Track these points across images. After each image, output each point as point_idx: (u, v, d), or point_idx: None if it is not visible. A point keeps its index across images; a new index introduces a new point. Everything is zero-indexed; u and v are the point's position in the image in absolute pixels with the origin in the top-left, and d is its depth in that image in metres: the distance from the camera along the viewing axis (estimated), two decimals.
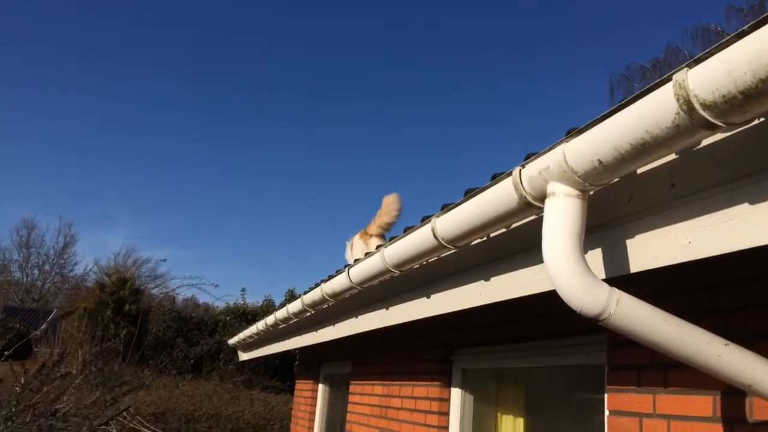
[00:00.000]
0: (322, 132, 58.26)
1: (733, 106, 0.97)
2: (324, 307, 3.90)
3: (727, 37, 0.98)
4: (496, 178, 1.70)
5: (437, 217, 2.08)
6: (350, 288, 3.17)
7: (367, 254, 3.00)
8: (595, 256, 1.54)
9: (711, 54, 1.00)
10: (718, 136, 1.15)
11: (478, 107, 57.34)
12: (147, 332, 16.89)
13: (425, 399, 3.46)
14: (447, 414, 3.31)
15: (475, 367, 3.32)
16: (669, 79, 1.07)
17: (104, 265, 30.42)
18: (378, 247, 2.87)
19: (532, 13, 50.94)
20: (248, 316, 17.02)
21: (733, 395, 1.57)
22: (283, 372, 16.56)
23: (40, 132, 53.47)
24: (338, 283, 3.34)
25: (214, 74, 55.70)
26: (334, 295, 3.50)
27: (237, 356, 10.21)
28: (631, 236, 1.45)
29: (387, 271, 2.63)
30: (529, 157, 1.54)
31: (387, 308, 3.09)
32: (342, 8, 56.68)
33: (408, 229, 2.43)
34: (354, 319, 3.63)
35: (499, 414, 3.15)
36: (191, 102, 55.68)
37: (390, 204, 4.62)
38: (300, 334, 5.15)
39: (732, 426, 1.58)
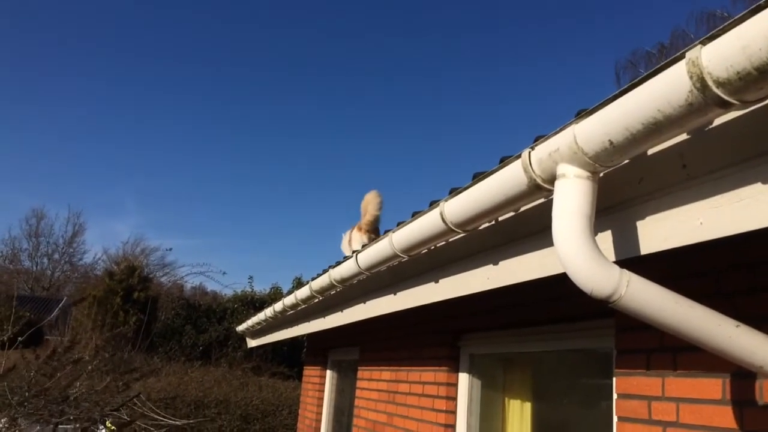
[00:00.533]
0: (330, 116, 58.21)
1: (747, 83, 0.96)
2: (332, 293, 3.92)
3: (742, 13, 0.97)
4: (504, 161, 1.69)
5: (445, 201, 2.07)
6: (358, 273, 3.18)
7: (373, 240, 3.00)
8: (605, 238, 1.53)
9: (725, 30, 0.99)
10: (731, 115, 1.13)
11: (478, 96, 57.12)
12: (156, 320, 17.07)
13: (433, 384, 3.48)
14: (455, 399, 3.33)
15: (483, 352, 3.32)
16: (682, 57, 1.06)
17: (113, 253, 30.64)
18: (386, 231, 2.87)
19: (536, 1, 50.49)
20: (256, 303, 17.13)
21: (743, 378, 1.57)
22: (291, 359, 16.67)
23: (48, 121, 53.73)
24: (347, 268, 3.35)
25: (224, 58, 55.66)
26: (342, 281, 3.51)
27: (245, 343, 10.28)
28: (642, 218, 1.44)
29: (395, 255, 2.63)
30: (538, 139, 1.53)
31: (395, 293, 3.09)
32: None
33: (416, 214, 2.43)
34: (362, 304, 3.64)
35: (506, 399, 3.16)
36: (200, 88, 55.73)
37: (370, 202, 4.77)
38: (308, 321, 5.17)
39: (742, 408, 1.57)
